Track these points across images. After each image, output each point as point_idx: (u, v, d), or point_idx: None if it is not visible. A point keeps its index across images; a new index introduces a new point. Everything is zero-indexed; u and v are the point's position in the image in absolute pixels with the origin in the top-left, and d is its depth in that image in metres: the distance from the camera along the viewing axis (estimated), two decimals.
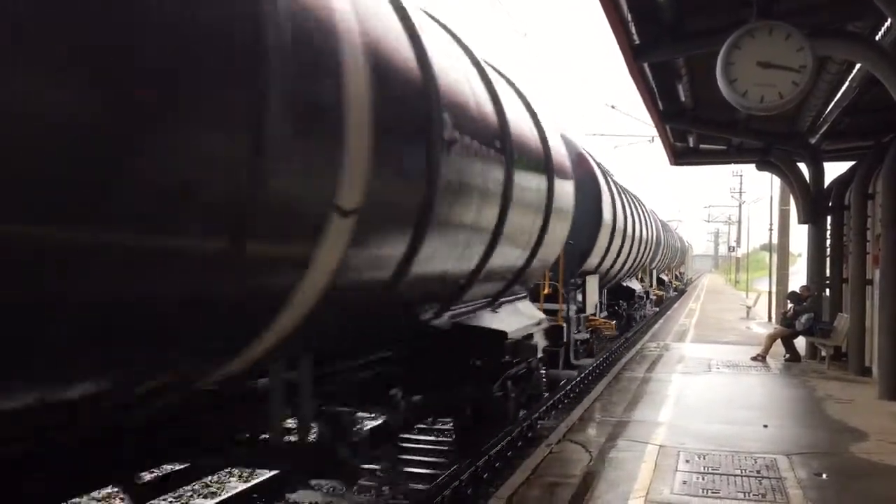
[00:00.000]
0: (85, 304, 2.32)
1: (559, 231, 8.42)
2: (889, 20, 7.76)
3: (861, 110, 11.12)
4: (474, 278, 5.96)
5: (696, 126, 13.53)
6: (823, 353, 13.40)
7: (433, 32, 5.27)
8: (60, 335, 2.29)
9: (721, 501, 5.78)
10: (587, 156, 13.97)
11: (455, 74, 5.28)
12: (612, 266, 16.20)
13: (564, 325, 11.68)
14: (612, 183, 15.95)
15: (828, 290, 14.28)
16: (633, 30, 8.71)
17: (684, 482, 6.21)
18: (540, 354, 8.71)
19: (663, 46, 9.02)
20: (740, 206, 61.87)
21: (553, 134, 8.36)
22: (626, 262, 17.99)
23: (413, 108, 4.36)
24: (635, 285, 21.77)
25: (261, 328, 3.27)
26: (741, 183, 60.86)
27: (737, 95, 7.05)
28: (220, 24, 2.58)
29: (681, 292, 47.36)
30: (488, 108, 5.95)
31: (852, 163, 14.20)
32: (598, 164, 14.91)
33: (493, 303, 7.22)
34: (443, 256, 5.02)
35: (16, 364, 2.24)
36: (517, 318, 7.59)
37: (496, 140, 5.87)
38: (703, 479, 6.32)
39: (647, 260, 23.94)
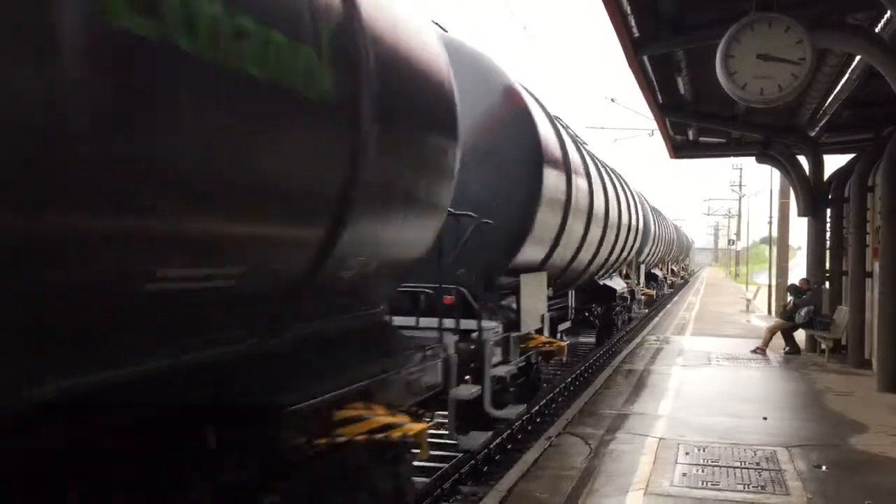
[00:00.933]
0: None
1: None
2: (889, 12, 7.75)
3: (860, 103, 11.11)
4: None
5: (696, 119, 13.53)
6: (823, 346, 13.42)
7: None
8: None
9: (721, 493, 5.80)
10: (521, 90, 8.54)
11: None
12: (573, 259, 11.04)
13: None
14: (567, 137, 10.70)
15: (827, 283, 14.30)
16: (633, 23, 8.70)
17: (684, 474, 6.23)
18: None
19: (663, 39, 9.01)
20: (740, 199, 61.95)
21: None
22: (596, 253, 12.77)
23: None
24: (617, 284, 17.21)
25: None
26: (741, 176, 60.96)
27: (736, 88, 7.05)
28: None
29: (683, 283, 48.05)
30: None
31: (852, 155, 14.21)
32: (543, 107, 9.92)
33: None
34: None
35: None
36: None
37: None
38: (703, 471, 6.34)
39: (632, 252, 18.80)
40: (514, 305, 8.06)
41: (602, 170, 13.58)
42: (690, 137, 15.99)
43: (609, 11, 8.10)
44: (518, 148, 8.05)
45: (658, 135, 15.83)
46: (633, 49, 9.09)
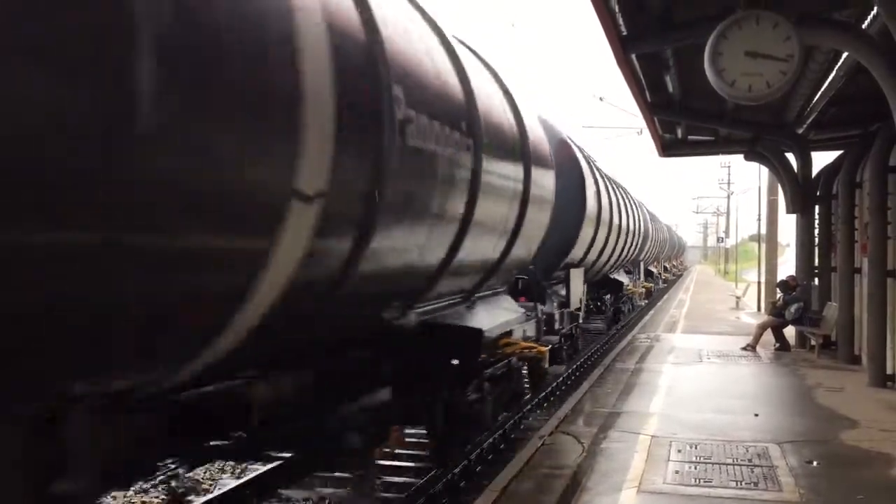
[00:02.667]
0: None
1: (538, 221, 7.78)
2: (875, 8, 7.78)
3: (848, 100, 11.15)
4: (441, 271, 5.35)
5: (685, 117, 13.56)
6: (813, 342, 13.47)
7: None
8: None
9: (713, 490, 5.80)
10: (570, 142, 13.10)
11: (411, 44, 4.65)
12: (598, 258, 15.35)
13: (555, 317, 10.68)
14: (596, 170, 15.22)
15: (816, 280, 14.35)
16: (621, 20, 8.70)
17: (677, 472, 6.22)
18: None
19: (651, 37, 9.02)
20: (728, 196, 62.22)
21: (531, 117, 7.74)
22: (612, 253, 17.16)
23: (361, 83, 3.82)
24: (623, 278, 21.16)
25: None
26: (729, 174, 61.20)
27: (725, 85, 7.05)
28: None
29: (675, 279, 52.63)
30: (453, 85, 5.28)
31: (840, 152, 14.27)
32: (582, 150, 14.18)
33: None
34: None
35: None
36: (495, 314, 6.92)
37: (462, 121, 5.22)
38: (696, 468, 6.34)
39: (636, 252, 23.26)
40: (563, 291, 11.96)
41: (614, 188, 18.18)
42: (679, 135, 16.02)
43: (597, 9, 8.10)
44: (569, 187, 11.47)
45: (647, 133, 15.87)
46: (622, 47, 9.09)
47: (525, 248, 7.59)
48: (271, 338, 3.59)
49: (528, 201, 6.99)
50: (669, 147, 16.66)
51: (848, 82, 10.00)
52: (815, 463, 6.57)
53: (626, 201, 20.49)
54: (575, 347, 13.77)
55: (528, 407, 10.38)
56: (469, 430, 7.00)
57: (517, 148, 6.84)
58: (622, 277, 20.79)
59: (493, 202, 5.99)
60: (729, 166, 59.42)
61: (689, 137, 16.26)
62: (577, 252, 12.90)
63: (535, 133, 7.72)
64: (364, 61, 3.84)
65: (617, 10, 8.43)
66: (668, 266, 48.04)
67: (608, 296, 19.12)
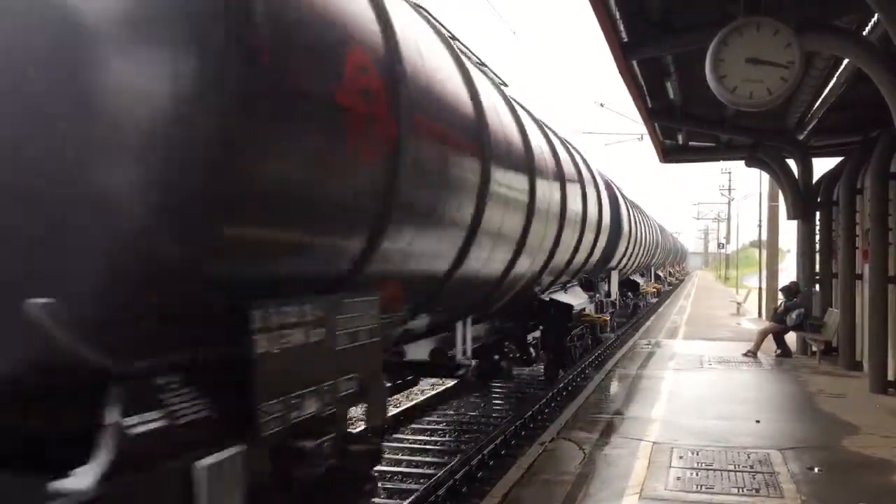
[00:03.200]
0: None
1: (602, 242, 13.26)
2: (876, 15, 7.79)
3: (848, 106, 11.16)
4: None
5: (685, 123, 13.56)
6: (814, 349, 13.46)
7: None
8: None
9: (715, 497, 5.79)
10: (611, 182, 18.88)
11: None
12: (626, 264, 21.05)
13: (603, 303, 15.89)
14: (626, 200, 21.53)
15: (817, 286, 14.34)
16: (622, 27, 8.72)
17: (678, 478, 6.22)
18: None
19: (652, 44, 9.03)
20: (729, 202, 62.22)
21: (599, 173, 13.01)
22: (633, 260, 22.66)
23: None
24: (639, 279, 26.56)
25: None
26: (730, 180, 61.27)
27: (726, 92, 7.05)
28: None
29: (678, 282, 55.86)
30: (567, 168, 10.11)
31: (840, 158, 14.27)
32: (618, 188, 20.15)
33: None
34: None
35: None
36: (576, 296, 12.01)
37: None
38: (697, 474, 6.33)
39: (650, 259, 29.10)
40: (606, 287, 16.43)
41: (635, 209, 23.94)
42: (680, 141, 16.02)
43: (598, 16, 8.11)
44: (613, 214, 15.85)
45: (647, 139, 15.87)
46: (623, 54, 9.10)
47: (592, 257, 12.64)
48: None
49: (601, 232, 12.63)
50: (670, 153, 16.66)
51: (849, 88, 10.01)
52: (816, 469, 6.56)
53: (643, 219, 26.30)
54: (612, 326, 18.84)
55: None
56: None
57: (604, 199, 13.07)
58: (638, 279, 26.43)
59: (590, 235, 11.53)
60: (730, 172, 59.51)
61: (690, 143, 16.26)
62: (615, 260, 18.01)
63: (609, 185, 14.82)
64: None
65: (618, 16, 8.45)
66: (671, 271, 50.06)
67: (629, 293, 24.57)
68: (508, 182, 6.48)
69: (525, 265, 7.69)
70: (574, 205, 9.91)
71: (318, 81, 3.19)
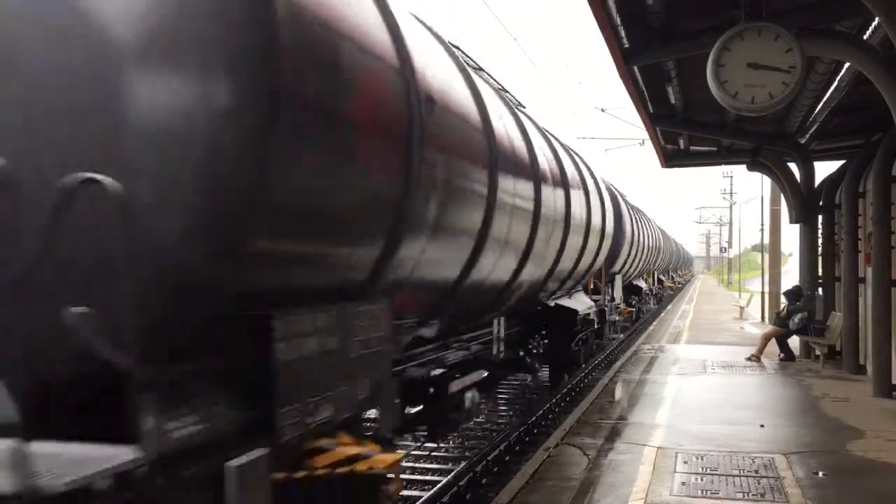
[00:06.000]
0: None
1: (607, 248, 13.34)
2: (876, 19, 7.81)
3: (850, 109, 11.18)
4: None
5: (687, 128, 13.58)
6: (818, 352, 13.44)
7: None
8: None
9: (720, 502, 5.78)
10: (613, 188, 19.13)
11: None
12: (629, 269, 21.62)
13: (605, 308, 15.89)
14: (629, 206, 22.20)
15: (820, 290, 14.34)
16: (623, 33, 8.74)
17: (683, 483, 6.21)
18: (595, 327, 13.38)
19: (653, 49, 9.05)
20: (731, 207, 62.24)
21: (601, 179, 13.20)
22: (637, 265, 23.23)
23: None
24: (642, 284, 26.59)
25: None
26: (732, 184, 61.35)
27: (727, 97, 7.07)
28: None
29: (681, 287, 56.59)
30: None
31: (842, 162, 14.28)
32: (620, 193, 20.65)
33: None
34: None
35: None
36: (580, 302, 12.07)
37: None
38: (702, 479, 6.32)
39: (651, 264, 29.26)
40: (611, 291, 16.46)
41: (638, 214, 24.19)
42: (681, 146, 16.05)
43: (599, 22, 8.14)
44: (618, 221, 16.55)
45: (649, 144, 15.89)
46: (624, 59, 9.13)
47: (596, 263, 12.70)
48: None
49: (604, 237, 12.60)
50: (671, 158, 16.68)
51: (850, 92, 10.03)
52: (821, 474, 6.55)
53: (646, 225, 26.71)
54: (614, 329, 19.40)
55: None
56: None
57: (607, 205, 13.05)
58: (641, 283, 26.51)
59: (594, 240, 11.47)
60: (731, 176, 59.61)
61: (692, 148, 16.28)
62: (618, 265, 18.68)
63: (615, 197, 15.32)
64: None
65: (619, 22, 8.47)
66: (674, 276, 50.48)
67: (633, 297, 24.34)
68: (515, 190, 6.52)
69: (531, 271, 7.73)
70: (578, 211, 9.96)
71: (336, 99, 3.37)
